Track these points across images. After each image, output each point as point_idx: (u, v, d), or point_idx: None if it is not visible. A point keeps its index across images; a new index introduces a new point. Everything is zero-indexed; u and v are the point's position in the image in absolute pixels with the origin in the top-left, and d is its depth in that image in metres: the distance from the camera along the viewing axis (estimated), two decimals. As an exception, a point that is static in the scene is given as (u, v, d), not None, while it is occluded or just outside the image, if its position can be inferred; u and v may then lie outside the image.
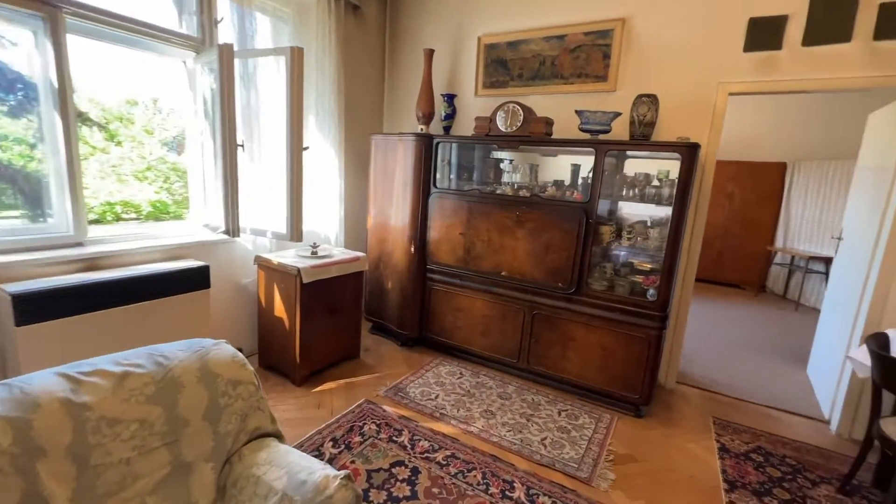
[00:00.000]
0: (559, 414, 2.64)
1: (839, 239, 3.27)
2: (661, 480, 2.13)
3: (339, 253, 3.00)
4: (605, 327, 2.66)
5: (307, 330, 2.69)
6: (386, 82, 3.96)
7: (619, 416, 2.67)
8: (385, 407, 2.57)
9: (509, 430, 2.43)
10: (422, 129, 3.21)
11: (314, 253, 2.85)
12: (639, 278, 2.66)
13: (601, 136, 2.69)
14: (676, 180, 2.41)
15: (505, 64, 3.34)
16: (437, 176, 3.17)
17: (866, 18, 2.30)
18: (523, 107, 2.79)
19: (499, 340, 3.05)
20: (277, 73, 2.71)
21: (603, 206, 2.73)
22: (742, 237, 6.30)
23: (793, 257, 5.86)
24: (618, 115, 2.64)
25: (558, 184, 2.97)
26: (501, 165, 3.23)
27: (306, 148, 2.55)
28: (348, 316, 3.03)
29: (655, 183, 2.60)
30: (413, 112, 3.65)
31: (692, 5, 2.70)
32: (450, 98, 3.28)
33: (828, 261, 5.39)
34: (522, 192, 2.92)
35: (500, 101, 3.24)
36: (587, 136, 2.74)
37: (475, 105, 3.48)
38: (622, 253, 2.79)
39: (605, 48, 2.96)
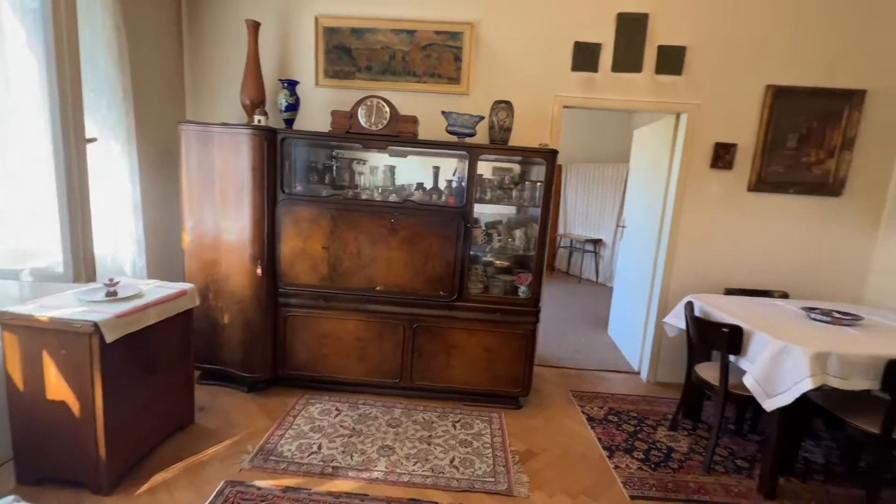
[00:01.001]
0: (454, 427, 2.54)
1: (623, 227, 4.18)
2: (562, 467, 2.27)
3: (152, 288, 2.14)
4: (487, 329, 2.69)
5: (115, 409, 1.82)
6: (186, 55, 3.04)
7: (503, 411, 2.75)
8: (258, 483, 1.97)
9: (416, 462, 2.20)
10: (260, 120, 2.57)
11: (112, 294, 1.94)
12: (511, 277, 2.77)
13: (467, 140, 2.67)
14: (542, 183, 2.59)
15: (350, 52, 2.98)
16: (286, 179, 2.60)
17: (651, 56, 2.92)
18: (388, 103, 2.53)
19: (378, 362, 2.74)
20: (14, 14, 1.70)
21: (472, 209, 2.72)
22: (536, 227, 7.51)
23: (571, 241, 7.31)
24: (481, 118, 2.67)
25: (420, 187, 2.84)
26: (355, 166, 2.88)
27: (92, 140, 1.69)
28: (176, 372, 2.21)
29: (510, 184, 2.74)
30: (234, 98, 2.93)
31: (530, 22, 2.92)
32: (291, 85, 2.73)
33: (595, 242, 6.93)
34: (392, 198, 2.67)
35: (346, 93, 2.91)
36: (454, 138, 2.68)
37: (317, 96, 3.00)
38: (494, 255, 2.86)
39: (456, 50, 2.95)
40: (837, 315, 2.32)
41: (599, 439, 2.53)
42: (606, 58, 2.94)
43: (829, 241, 3.06)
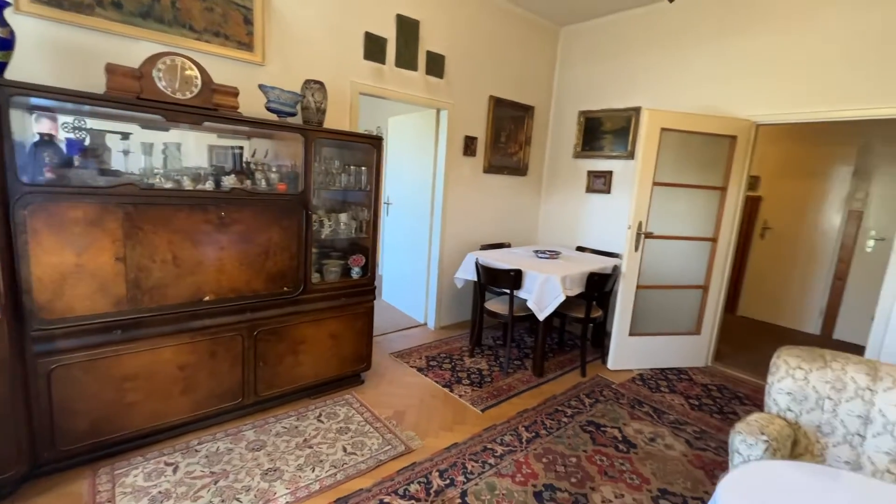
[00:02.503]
0: (321, 421, 2.47)
1: (388, 203, 4.71)
2: (428, 413, 2.67)
3: None
4: (332, 316, 2.67)
5: None
6: None
7: (352, 390, 2.85)
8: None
9: (314, 469, 2.08)
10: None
11: None
12: (347, 261, 2.81)
13: (289, 119, 2.45)
14: (367, 168, 2.72)
15: (80, -26, 2.05)
16: (25, 163, 1.65)
17: (423, 58, 3.45)
18: (198, 66, 1.99)
19: (211, 387, 2.24)
20: None
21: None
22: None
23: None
24: (301, 97, 2.49)
25: (221, 171, 2.38)
26: (111, 142, 2.08)
27: None
28: None
29: (338, 169, 2.76)
30: None
31: (323, 3, 2.85)
32: (-2, 8, 1.65)
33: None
34: (207, 185, 2.15)
35: (79, 34, 2.11)
36: (274, 116, 2.40)
37: (21, 29, 1.93)
38: (327, 240, 2.78)
39: (245, 10, 2.54)
40: (550, 252, 3.67)
41: (436, 381, 3.07)
42: (391, 53, 3.25)
43: (521, 205, 4.60)
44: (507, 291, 3.17)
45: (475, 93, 3.88)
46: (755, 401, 3.09)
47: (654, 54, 3.77)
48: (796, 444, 1.80)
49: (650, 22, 3.79)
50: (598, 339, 3.75)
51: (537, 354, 3.24)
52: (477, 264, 3.32)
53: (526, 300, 3.10)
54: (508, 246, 4.27)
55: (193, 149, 2.45)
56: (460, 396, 2.88)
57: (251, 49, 2.60)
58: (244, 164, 2.47)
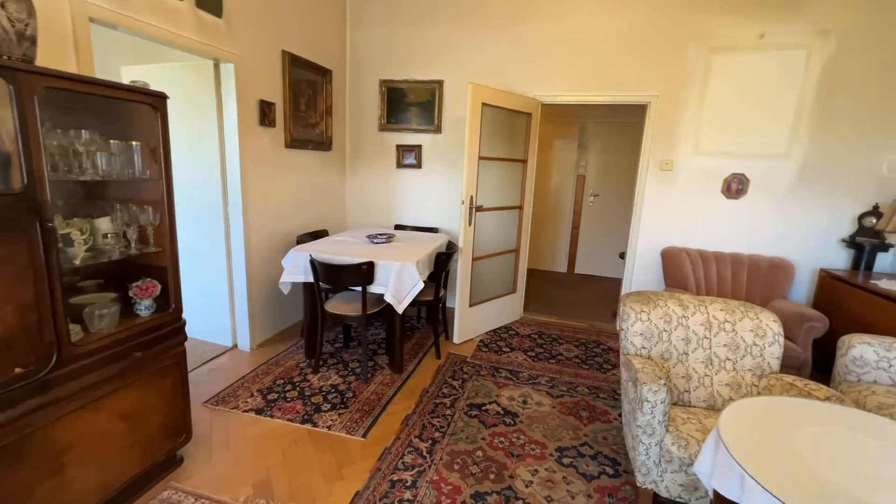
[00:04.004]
0: (139, 555, 1.55)
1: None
2: (302, 467, 2.05)
3: None
4: (119, 386, 1.65)
5: None
6: None
7: (171, 480, 1.91)
8: None
9: None
10: None
11: None
12: (127, 292, 1.76)
13: (-42, 47, 1.24)
14: (157, 144, 1.73)
15: None
16: None
17: (188, -19, 2.41)
18: None
19: None
20: None
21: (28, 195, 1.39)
22: None
23: None
24: (-20, 7, 1.29)
25: None
26: None
27: None
28: None
29: (89, 145, 1.64)
30: None
31: None
32: None
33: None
34: None
35: None
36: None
37: None
38: (84, 267, 1.63)
39: None
40: (384, 236, 3.34)
41: (290, 420, 2.40)
42: (137, -38, 2.12)
43: (329, 185, 4.04)
44: (354, 289, 2.71)
45: (266, 45, 3.03)
46: (565, 338, 3.71)
47: (453, 28, 3.79)
48: (654, 374, 2.17)
49: (445, -7, 3.76)
50: (438, 316, 3.74)
51: (396, 350, 2.94)
52: (312, 262, 2.70)
53: (381, 294, 2.73)
54: (327, 234, 3.70)
55: None
56: (330, 428, 2.33)
57: None
58: None
